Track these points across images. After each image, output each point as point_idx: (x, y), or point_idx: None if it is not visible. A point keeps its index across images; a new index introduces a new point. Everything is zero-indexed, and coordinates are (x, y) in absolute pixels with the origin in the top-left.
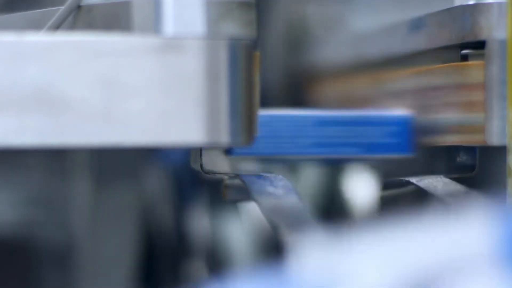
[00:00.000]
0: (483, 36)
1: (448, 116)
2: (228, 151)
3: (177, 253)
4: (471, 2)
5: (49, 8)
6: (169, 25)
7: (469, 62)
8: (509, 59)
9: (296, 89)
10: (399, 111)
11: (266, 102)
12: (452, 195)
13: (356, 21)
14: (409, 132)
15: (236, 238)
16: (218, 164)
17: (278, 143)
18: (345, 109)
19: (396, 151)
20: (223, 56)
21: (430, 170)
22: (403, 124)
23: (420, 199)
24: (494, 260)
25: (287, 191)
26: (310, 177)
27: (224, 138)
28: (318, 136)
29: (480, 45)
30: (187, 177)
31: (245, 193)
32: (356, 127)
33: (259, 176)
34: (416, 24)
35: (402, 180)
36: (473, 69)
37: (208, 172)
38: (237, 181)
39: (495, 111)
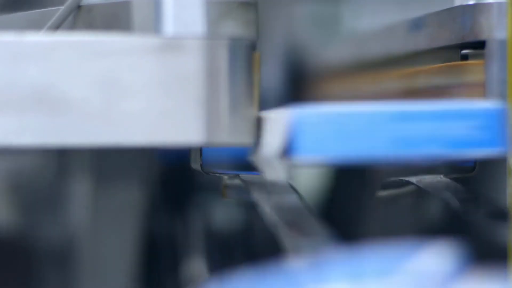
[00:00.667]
0: (483, 36)
1: None
2: (286, 157)
3: (177, 253)
4: (471, 2)
5: (49, 8)
6: (169, 25)
7: (469, 62)
8: (509, 59)
9: (296, 89)
10: (488, 103)
11: (266, 102)
12: (453, 196)
13: (356, 21)
14: (501, 126)
15: (236, 238)
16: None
17: (348, 143)
18: (427, 102)
19: (487, 147)
20: (223, 56)
21: (430, 170)
22: (493, 117)
23: (420, 199)
24: None
25: (287, 191)
26: (311, 176)
27: (224, 138)
28: (396, 133)
29: (480, 45)
30: (187, 177)
31: (245, 193)
32: (440, 122)
33: (259, 176)
34: (416, 24)
35: (402, 180)
36: (473, 69)
37: (208, 172)
38: (237, 181)
39: None
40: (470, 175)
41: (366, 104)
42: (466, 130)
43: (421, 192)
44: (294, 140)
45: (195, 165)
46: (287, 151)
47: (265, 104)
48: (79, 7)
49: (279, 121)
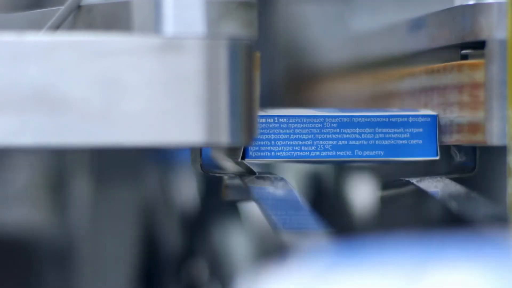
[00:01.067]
0: (483, 36)
1: (448, 116)
2: (243, 155)
3: (177, 253)
4: (471, 2)
5: (49, 8)
6: (169, 25)
7: (469, 62)
8: (509, 59)
9: (296, 89)
10: (424, 112)
11: (266, 102)
12: (453, 196)
13: (356, 21)
14: (434, 134)
15: (236, 238)
16: None
17: (297, 145)
18: (368, 110)
19: (421, 154)
20: (223, 56)
21: (430, 170)
22: (428, 126)
23: (420, 199)
24: None
25: (287, 191)
26: (311, 176)
27: (224, 138)
28: (339, 138)
29: (480, 45)
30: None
31: (245, 193)
32: (379, 128)
33: (259, 176)
34: (416, 24)
35: (402, 180)
36: (473, 69)
37: (208, 172)
38: (237, 181)
39: (495, 111)
40: (470, 175)
41: (313, 110)
42: (400, 137)
43: (421, 192)
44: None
45: (195, 165)
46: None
47: (265, 104)
48: (79, 7)
49: None
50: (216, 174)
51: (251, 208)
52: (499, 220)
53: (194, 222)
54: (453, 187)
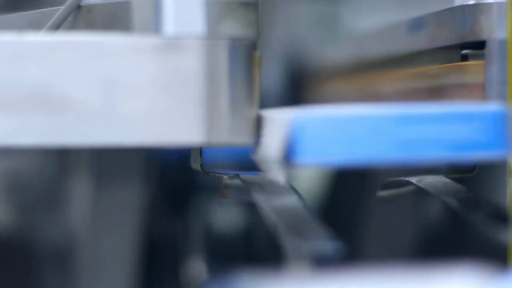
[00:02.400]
0: (483, 36)
1: None
2: (287, 160)
3: (177, 253)
4: (471, 2)
5: (49, 8)
6: (169, 25)
7: (469, 62)
8: (509, 59)
9: (296, 89)
10: (488, 105)
11: (266, 103)
12: (453, 196)
13: (356, 21)
14: (501, 128)
15: (236, 238)
16: None
17: (352, 147)
18: (430, 104)
19: (488, 149)
20: (223, 56)
21: (430, 170)
22: (494, 119)
23: (420, 199)
24: None
25: (287, 191)
26: (311, 177)
27: (224, 138)
28: (400, 137)
29: (480, 45)
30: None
31: (245, 193)
32: (442, 124)
33: (259, 176)
34: (416, 24)
35: (402, 180)
36: (473, 69)
37: (208, 172)
38: (237, 181)
39: None
40: (470, 175)
41: (369, 106)
42: (467, 132)
43: (421, 192)
44: (295, 143)
45: (195, 165)
46: (288, 154)
47: (265, 104)
48: (79, 7)
49: (280, 123)
50: (216, 174)
51: (251, 208)
52: (499, 220)
53: (194, 222)
54: (453, 187)
